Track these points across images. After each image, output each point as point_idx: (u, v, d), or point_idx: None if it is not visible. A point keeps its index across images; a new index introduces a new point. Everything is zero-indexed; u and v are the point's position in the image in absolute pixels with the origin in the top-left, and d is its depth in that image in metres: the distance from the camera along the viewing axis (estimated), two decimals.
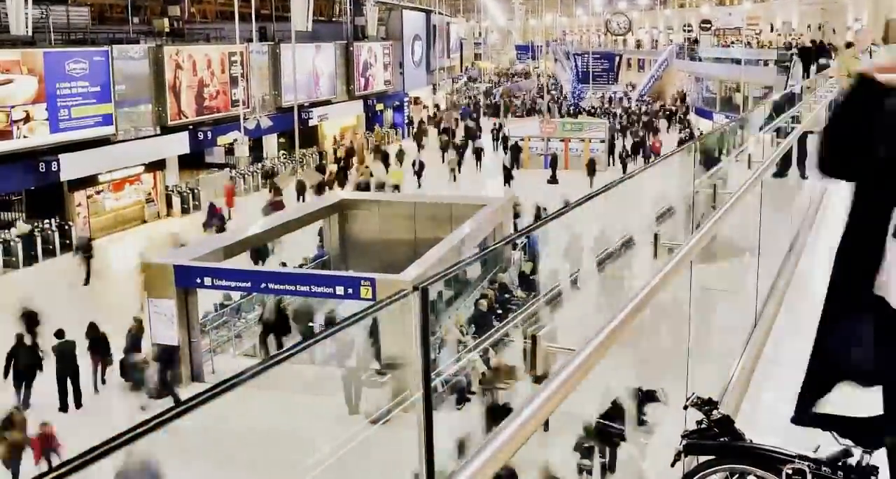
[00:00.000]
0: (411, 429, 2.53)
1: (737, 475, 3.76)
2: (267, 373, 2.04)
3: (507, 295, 22.41)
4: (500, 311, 21.15)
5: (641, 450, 12.03)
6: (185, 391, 18.09)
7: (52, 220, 30.40)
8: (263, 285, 20.44)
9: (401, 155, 45.12)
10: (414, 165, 42.04)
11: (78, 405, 18.67)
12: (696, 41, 71.31)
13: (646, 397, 12.43)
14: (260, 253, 24.89)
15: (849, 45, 17.79)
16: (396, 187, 36.96)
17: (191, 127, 37.98)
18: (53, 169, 30.23)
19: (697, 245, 4.92)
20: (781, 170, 11.33)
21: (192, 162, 40.47)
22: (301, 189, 36.28)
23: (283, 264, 23.86)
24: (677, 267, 4.39)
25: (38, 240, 29.29)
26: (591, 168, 41.73)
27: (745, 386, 6.55)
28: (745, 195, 6.65)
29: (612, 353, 3.45)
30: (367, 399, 17.24)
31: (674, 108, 67.46)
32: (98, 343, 19.44)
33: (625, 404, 12.58)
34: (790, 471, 3.38)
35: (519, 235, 21.18)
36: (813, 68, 30.60)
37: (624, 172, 42.72)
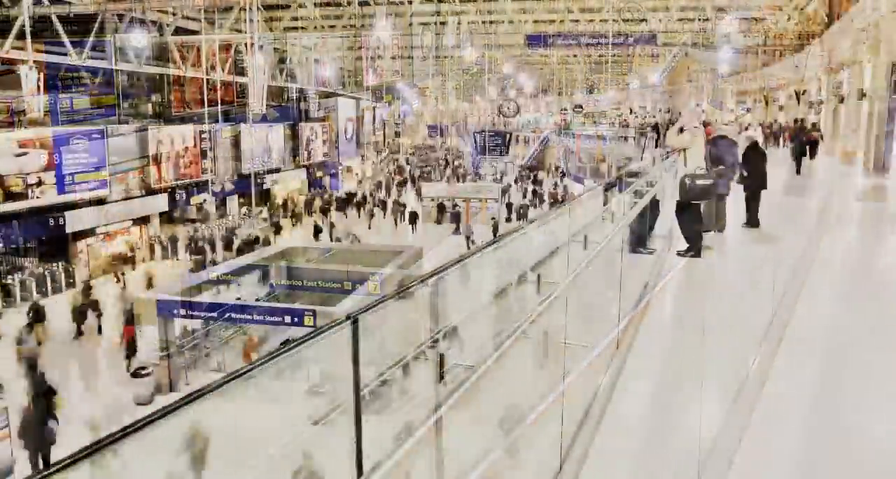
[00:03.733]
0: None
1: None
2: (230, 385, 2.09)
3: None
4: None
5: None
6: (165, 399, 18.00)
7: (59, 263, 30.40)
8: (227, 316, 20.45)
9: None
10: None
11: None
12: (569, 122, 72.62)
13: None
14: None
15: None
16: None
17: (170, 190, 38.06)
18: (61, 223, 30.49)
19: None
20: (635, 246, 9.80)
21: (171, 217, 40.33)
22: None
23: (239, 299, 24.08)
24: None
25: (48, 279, 29.33)
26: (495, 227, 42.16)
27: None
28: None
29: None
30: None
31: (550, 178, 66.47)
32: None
33: None
34: None
35: (431, 276, 21.68)
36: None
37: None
